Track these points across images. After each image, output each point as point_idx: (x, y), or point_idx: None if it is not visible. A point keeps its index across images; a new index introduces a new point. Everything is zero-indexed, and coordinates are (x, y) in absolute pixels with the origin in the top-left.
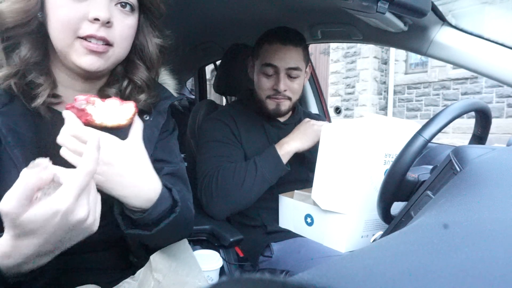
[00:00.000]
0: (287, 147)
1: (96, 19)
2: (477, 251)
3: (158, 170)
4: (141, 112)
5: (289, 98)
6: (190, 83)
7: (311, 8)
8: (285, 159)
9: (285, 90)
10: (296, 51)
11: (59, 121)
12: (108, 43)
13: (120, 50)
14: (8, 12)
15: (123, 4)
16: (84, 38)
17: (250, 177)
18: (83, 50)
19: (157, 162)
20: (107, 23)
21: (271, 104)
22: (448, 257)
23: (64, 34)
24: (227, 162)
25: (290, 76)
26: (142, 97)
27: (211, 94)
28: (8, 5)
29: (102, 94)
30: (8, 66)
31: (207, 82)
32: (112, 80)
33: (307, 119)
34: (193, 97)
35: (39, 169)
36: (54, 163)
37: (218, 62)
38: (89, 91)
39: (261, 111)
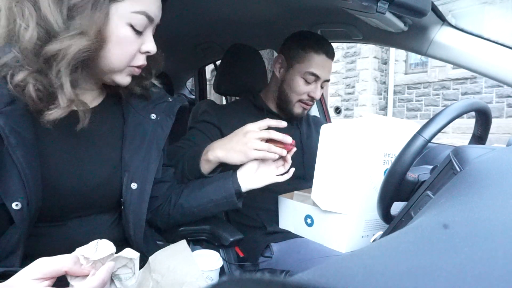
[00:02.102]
0: (210, 155)
1: (147, 52)
2: (477, 251)
3: (164, 173)
4: (144, 109)
5: (312, 105)
6: (190, 83)
7: (311, 8)
8: (205, 165)
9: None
10: (331, 65)
11: (60, 121)
12: None
13: None
14: (73, 48)
15: None
16: (135, 66)
17: (180, 163)
18: (129, 73)
19: (168, 167)
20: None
21: (298, 108)
22: (448, 257)
23: (123, 63)
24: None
25: (321, 86)
26: (147, 82)
27: (211, 94)
28: (76, 42)
29: (105, 92)
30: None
31: (207, 82)
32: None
33: (249, 126)
34: (193, 97)
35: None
36: (52, 164)
37: (218, 62)
38: (95, 89)
39: (265, 109)
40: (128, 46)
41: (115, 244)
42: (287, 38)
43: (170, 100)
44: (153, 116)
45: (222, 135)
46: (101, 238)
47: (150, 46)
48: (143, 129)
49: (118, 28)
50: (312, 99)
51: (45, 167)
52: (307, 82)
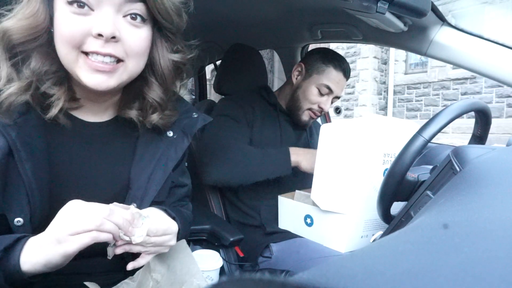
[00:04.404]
0: (295, 160)
1: (100, 35)
2: (477, 251)
3: (174, 193)
4: (155, 128)
5: (319, 116)
6: (190, 83)
7: (311, 8)
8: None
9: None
10: (345, 84)
11: (76, 129)
12: (118, 59)
13: (133, 64)
14: (16, 29)
15: (133, 16)
16: (89, 53)
17: (257, 161)
18: (87, 68)
19: (177, 187)
20: (113, 38)
21: (306, 116)
22: (448, 257)
23: (67, 50)
24: (232, 137)
25: (331, 101)
26: (154, 117)
27: (211, 94)
28: (15, 22)
29: (124, 115)
30: (19, 80)
31: (207, 82)
32: (130, 99)
33: None
34: (193, 97)
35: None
36: (61, 176)
37: (218, 62)
38: (106, 101)
39: (278, 107)
40: (68, 27)
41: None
42: (310, 50)
43: (195, 116)
44: (170, 133)
45: (253, 127)
46: (101, 249)
47: (100, 27)
48: (155, 147)
49: (58, 4)
50: (321, 110)
51: (54, 179)
52: (320, 94)
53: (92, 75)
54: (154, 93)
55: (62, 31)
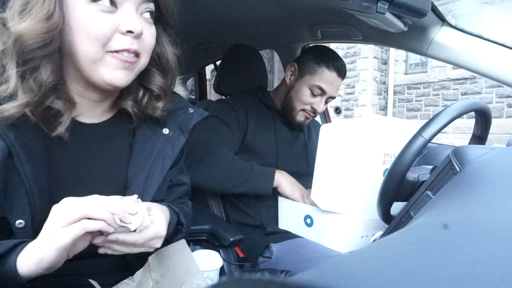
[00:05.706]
0: (277, 180)
1: (130, 31)
2: (477, 251)
3: (173, 191)
4: (156, 122)
5: (315, 116)
6: (190, 83)
7: (311, 8)
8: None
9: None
10: (341, 83)
11: (73, 131)
12: (137, 55)
13: (144, 60)
14: (29, 34)
15: (151, 12)
16: (116, 51)
17: (240, 173)
18: (116, 63)
19: (176, 186)
20: (140, 35)
21: (301, 116)
22: (448, 257)
23: (94, 48)
24: (220, 141)
25: (326, 101)
26: (160, 104)
27: (211, 94)
28: (28, 26)
29: (118, 107)
30: (25, 94)
31: (207, 82)
32: (126, 92)
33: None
34: (193, 97)
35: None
36: (59, 178)
37: (218, 62)
38: (104, 100)
39: (273, 108)
40: (95, 24)
41: (112, 256)
42: (304, 50)
43: (191, 111)
44: (166, 131)
45: (247, 131)
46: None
47: (130, 24)
48: (152, 145)
49: (78, 3)
50: (314, 111)
51: (53, 180)
52: (313, 94)
53: (115, 71)
54: (159, 81)
55: (90, 29)
